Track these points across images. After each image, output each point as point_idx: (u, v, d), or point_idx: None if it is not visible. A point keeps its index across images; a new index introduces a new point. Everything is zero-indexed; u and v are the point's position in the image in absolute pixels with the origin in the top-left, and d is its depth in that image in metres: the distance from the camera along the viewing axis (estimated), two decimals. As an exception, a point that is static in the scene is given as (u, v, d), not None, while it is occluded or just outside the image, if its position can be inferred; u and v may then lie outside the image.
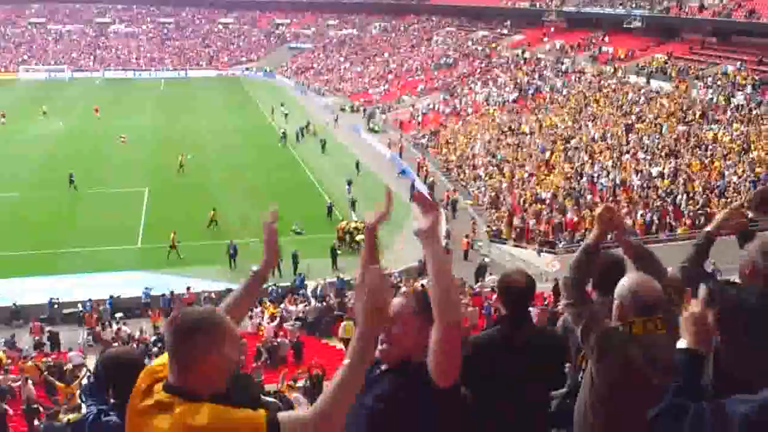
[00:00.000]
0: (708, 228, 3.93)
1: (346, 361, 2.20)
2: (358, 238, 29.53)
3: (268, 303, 23.62)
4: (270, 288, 25.23)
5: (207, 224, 31.05)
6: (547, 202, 31.21)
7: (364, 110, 56.54)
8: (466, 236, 30.39)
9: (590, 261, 3.29)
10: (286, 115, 55.37)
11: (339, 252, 28.79)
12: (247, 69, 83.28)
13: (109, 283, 25.51)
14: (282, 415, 2.12)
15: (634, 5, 51.45)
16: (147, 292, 25.01)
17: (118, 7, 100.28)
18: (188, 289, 24.78)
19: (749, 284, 3.41)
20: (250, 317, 21.42)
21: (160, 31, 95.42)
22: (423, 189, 37.22)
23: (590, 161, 33.92)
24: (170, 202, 35.05)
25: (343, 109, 58.82)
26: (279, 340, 19.32)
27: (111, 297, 24.42)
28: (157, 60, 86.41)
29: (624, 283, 3.15)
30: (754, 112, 32.75)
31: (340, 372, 2.18)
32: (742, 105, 34.02)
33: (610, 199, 28.45)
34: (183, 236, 28.95)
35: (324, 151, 45.08)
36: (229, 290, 23.84)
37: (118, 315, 23.25)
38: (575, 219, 28.51)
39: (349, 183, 36.74)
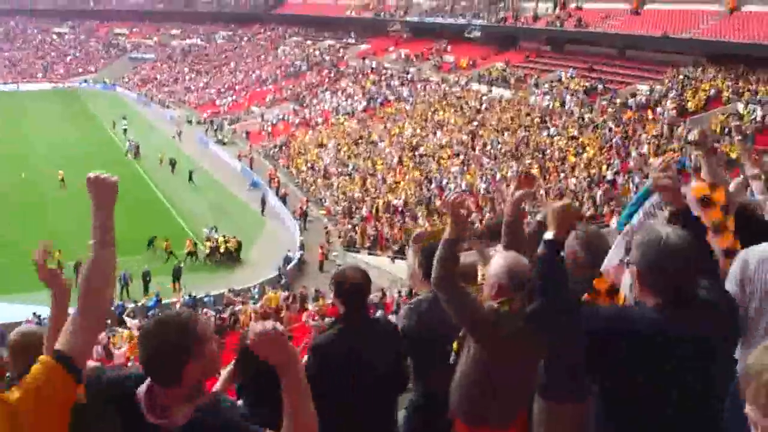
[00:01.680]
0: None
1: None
2: (230, 246, 30.16)
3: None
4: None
5: (165, 260, 29.14)
6: (400, 209, 31.61)
7: (212, 122, 55.16)
8: (321, 247, 30.21)
9: (454, 255, 3.36)
10: (125, 130, 52.59)
11: (183, 268, 28.07)
12: (85, 81, 79.00)
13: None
14: (58, 345, 2.26)
15: (473, 16, 53.32)
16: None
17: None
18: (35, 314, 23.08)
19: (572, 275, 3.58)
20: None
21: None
22: (276, 201, 36.77)
23: (438, 168, 34.72)
24: (2, 223, 32.55)
25: (189, 121, 57.01)
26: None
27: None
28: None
29: (500, 263, 3.35)
30: (586, 117, 34.70)
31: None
32: (574, 110, 35.98)
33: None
34: (15, 258, 26.85)
35: (174, 172, 42.53)
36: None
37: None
38: (427, 225, 29.01)
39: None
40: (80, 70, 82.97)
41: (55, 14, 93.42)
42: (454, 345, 3.58)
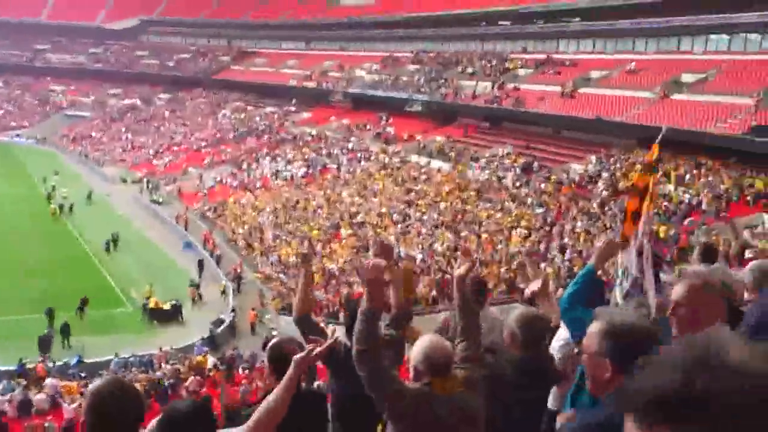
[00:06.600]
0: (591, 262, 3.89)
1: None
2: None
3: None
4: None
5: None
6: (336, 274, 31.40)
7: (147, 181, 54.21)
8: (253, 309, 29.66)
9: (375, 327, 3.29)
10: (54, 186, 51.08)
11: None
12: (17, 135, 77.13)
13: None
14: None
15: (414, 90, 54.47)
16: None
17: None
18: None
19: (509, 352, 3.94)
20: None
21: None
22: (210, 262, 36.11)
23: (375, 236, 34.74)
24: None
25: (124, 180, 56.10)
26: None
27: None
28: None
29: (418, 347, 3.24)
30: (522, 192, 35.47)
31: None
32: (510, 185, 36.76)
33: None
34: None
35: (116, 247, 38.58)
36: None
37: None
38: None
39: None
40: (13, 124, 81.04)
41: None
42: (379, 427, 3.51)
